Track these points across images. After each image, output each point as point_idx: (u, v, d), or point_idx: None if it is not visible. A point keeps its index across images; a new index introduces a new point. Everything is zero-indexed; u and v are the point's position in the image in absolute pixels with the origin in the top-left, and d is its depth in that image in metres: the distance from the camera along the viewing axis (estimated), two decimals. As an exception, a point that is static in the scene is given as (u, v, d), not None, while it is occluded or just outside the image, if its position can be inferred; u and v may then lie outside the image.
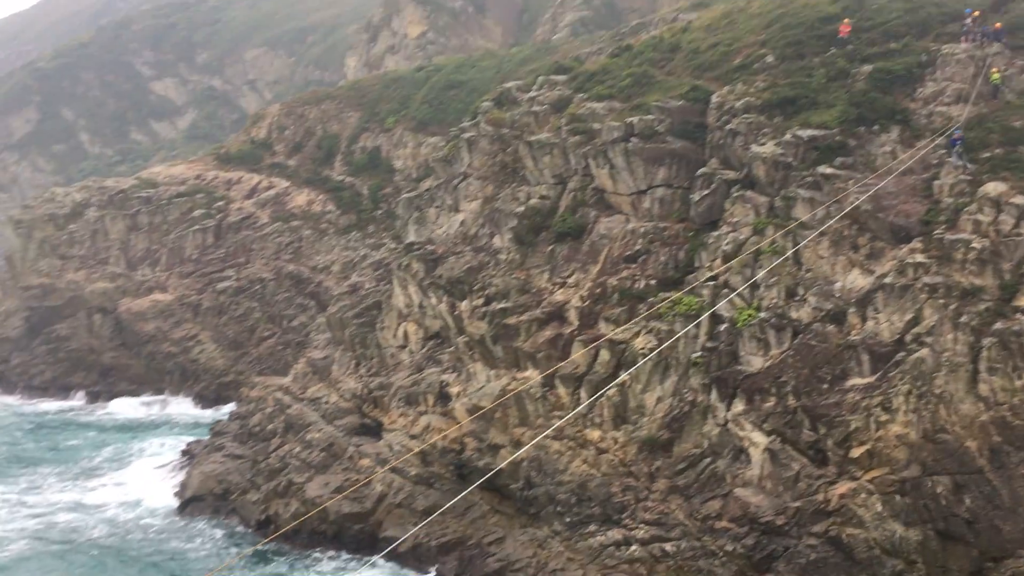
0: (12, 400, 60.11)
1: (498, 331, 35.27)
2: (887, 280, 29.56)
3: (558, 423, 31.68)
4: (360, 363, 41.71)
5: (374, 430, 38.86)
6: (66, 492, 42.71)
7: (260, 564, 35.18)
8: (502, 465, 30.65)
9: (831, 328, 30.06)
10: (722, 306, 31.94)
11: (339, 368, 42.32)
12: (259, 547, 34.33)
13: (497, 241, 38.26)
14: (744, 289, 31.83)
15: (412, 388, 38.03)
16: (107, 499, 41.62)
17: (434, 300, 38.33)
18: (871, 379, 29.03)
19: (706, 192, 34.24)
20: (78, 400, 59.18)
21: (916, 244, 29.96)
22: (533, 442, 31.69)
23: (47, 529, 38.32)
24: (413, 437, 37.02)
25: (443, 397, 36.93)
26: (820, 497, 28.77)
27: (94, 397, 59.15)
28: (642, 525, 30.92)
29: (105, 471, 45.41)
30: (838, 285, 30.60)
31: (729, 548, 29.48)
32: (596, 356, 33.34)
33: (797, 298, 30.87)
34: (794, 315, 30.70)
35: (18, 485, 43.88)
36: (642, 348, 32.26)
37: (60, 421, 54.93)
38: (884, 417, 28.18)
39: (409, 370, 39.14)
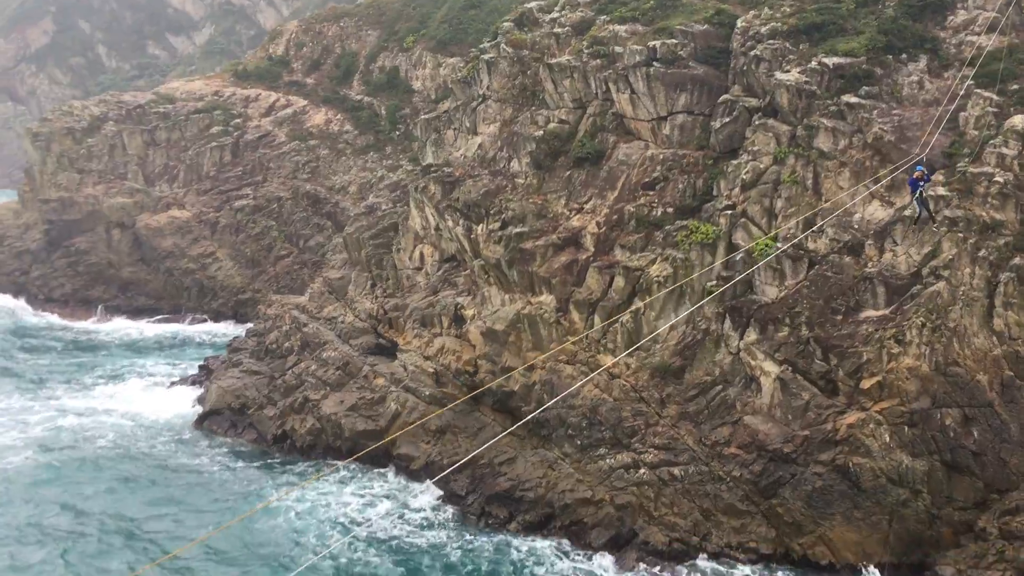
0: (30, 315, 60.82)
1: (514, 255, 35.33)
2: (907, 212, 29.32)
3: (607, 363, 31.91)
4: (376, 284, 41.98)
5: (389, 350, 39.30)
6: (80, 404, 43.37)
7: (278, 475, 36.02)
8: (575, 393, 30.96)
9: (848, 260, 29.97)
10: (739, 235, 31.85)
11: (355, 288, 42.62)
12: (342, 465, 34.95)
13: (515, 165, 38.06)
14: (761, 219, 31.68)
15: (427, 310, 38.32)
16: (123, 411, 42.33)
17: (450, 223, 38.34)
18: (886, 311, 29.04)
19: (727, 119, 33.82)
20: (96, 315, 59.90)
21: (938, 176, 29.63)
22: (584, 380, 31.88)
23: (67, 438, 39.00)
24: (427, 358, 37.44)
25: (458, 319, 37.22)
26: (829, 426, 29.06)
27: (113, 312, 59.87)
28: (651, 449, 31.39)
29: (122, 385, 46.15)
30: (857, 216, 30.40)
31: (736, 474, 29.93)
32: (611, 282, 33.43)
33: (815, 229, 30.71)
34: (811, 246, 30.59)
35: (31, 396, 44.53)
36: (657, 275, 32.30)
37: (77, 336, 55.68)
38: (896, 349, 28.27)
39: (424, 292, 39.38)
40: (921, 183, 27.73)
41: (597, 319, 33.47)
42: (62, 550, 29.86)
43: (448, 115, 43.16)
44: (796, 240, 30.28)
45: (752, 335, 30.64)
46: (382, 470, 36.09)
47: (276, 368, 41.76)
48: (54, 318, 59.59)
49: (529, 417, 29.75)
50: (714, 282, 31.48)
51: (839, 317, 29.64)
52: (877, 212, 30.14)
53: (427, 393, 36.55)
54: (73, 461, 36.70)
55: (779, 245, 30.75)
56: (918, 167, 27.77)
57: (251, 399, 40.83)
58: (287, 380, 40.41)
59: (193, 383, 45.36)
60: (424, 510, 33.29)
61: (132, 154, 63.76)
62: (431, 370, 36.90)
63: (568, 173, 36.48)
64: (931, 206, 28.14)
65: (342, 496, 34.37)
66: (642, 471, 31.24)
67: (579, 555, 30.66)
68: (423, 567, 29.62)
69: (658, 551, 29.96)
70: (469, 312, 36.87)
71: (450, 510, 33.22)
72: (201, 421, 41.06)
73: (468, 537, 31.52)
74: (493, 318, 35.73)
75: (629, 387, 32.52)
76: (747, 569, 29.20)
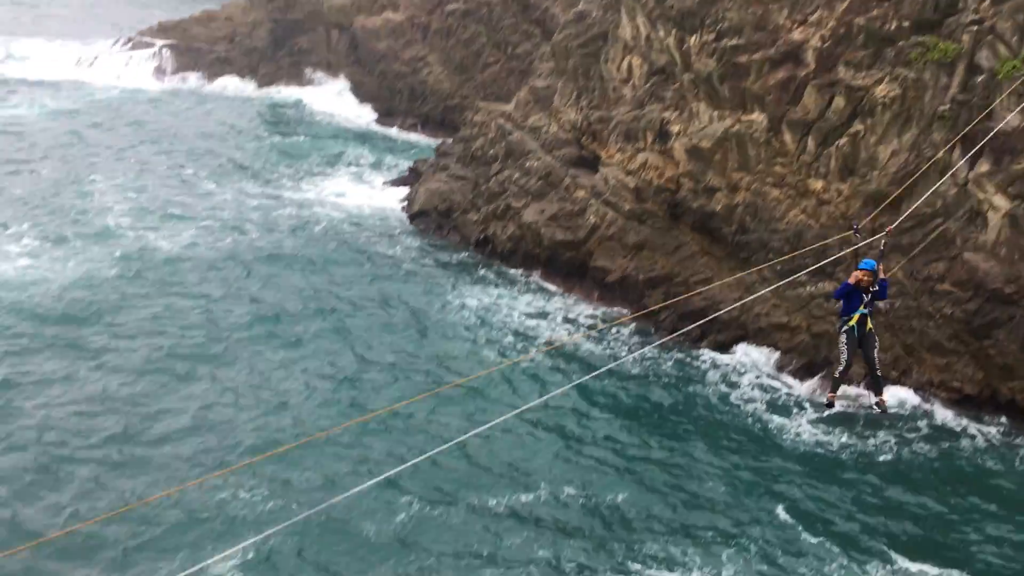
0: (259, 99, 64.42)
1: (727, 69, 33.66)
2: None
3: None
4: (582, 95, 41.38)
5: (591, 163, 39.17)
6: (296, 194, 46.14)
7: (475, 276, 37.68)
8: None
9: (1111, 87, 26.59)
10: (982, 55, 28.79)
11: (560, 98, 42.24)
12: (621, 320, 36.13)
13: (736, -30, 35.52)
14: (1012, 37, 28.37)
15: (632, 124, 37.58)
16: (335, 204, 44.70)
17: (662, 33, 36.77)
18: None
19: (986, -80, 29.84)
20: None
21: None
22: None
23: (284, 225, 41.76)
24: (629, 173, 37.09)
25: (663, 135, 36.35)
26: (1060, 270, 26.89)
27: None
28: (856, 280, 30.25)
29: (336, 180, 48.51)
30: None
31: (947, 311, 28.52)
32: (830, 102, 31.38)
33: (1076, 50, 27.28)
34: (1068, 69, 27.28)
35: (249, 179, 47.57)
36: (883, 96, 29.98)
37: (299, 124, 58.79)
38: None
39: (630, 105, 38.50)
40: (868, 297, 14.78)
41: (811, 141, 31.77)
42: (281, 345, 32.54)
43: (667, -86, 40.45)
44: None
45: (984, 166, 28.23)
46: (578, 282, 36.96)
47: (481, 174, 42.75)
48: (281, 102, 62.91)
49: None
50: (948, 106, 28.91)
51: (1090, 151, 26.70)
52: None
53: (627, 208, 36.46)
54: (290, 248, 39.44)
55: (1029, 67, 27.60)
56: (863, 263, 15.06)
57: (456, 203, 42.25)
58: (491, 187, 41.36)
59: (402, 184, 47.31)
60: (617, 323, 34.03)
61: (349, -46, 64.39)
62: (632, 185, 36.60)
63: (794, -20, 33.73)
64: (876, 357, 15.05)
65: (536, 306, 35.63)
66: (844, 301, 30.30)
67: (770, 376, 30.69)
68: (614, 378, 30.61)
69: (852, 381, 29.48)
70: (675, 128, 35.87)
71: (641, 324, 33.78)
72: (411, 220, 43.10)
73: (659, 351, 32.12)
74: (700, 135, 34.65)
75: (838, 214, 31.09)
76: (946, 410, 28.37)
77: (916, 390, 29.00)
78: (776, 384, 30.36)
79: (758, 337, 31.83)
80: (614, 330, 33.56)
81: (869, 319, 14.72)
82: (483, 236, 40.19)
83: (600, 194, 37.45)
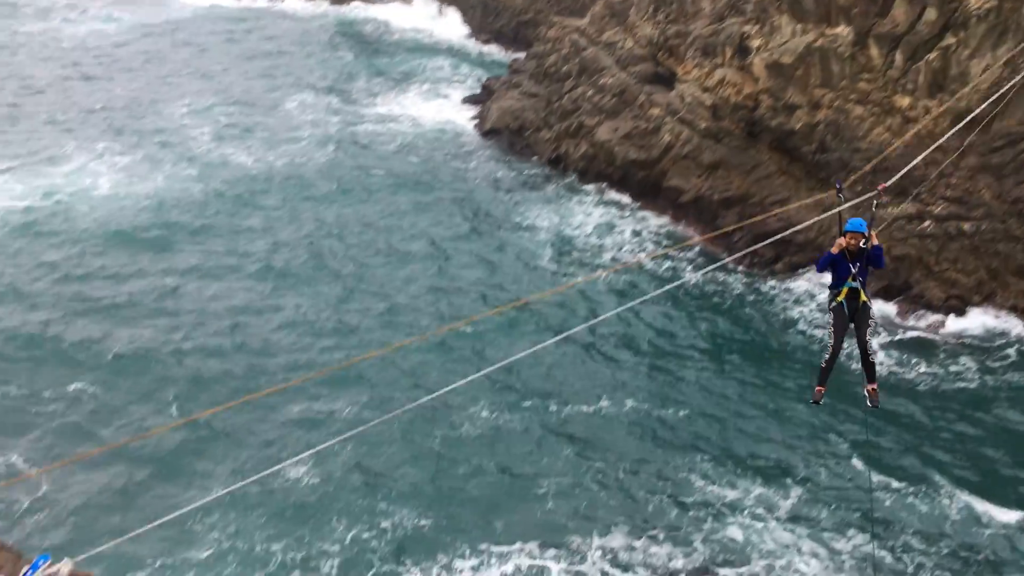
0: (324, 6, 64.48)
1: (812, -20, 32.27)
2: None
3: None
4: (659, 8, 40.20)
5: (666, 80, 38.24)
6: (374, 106, 46.33)
7: (547, 192, 37.47)
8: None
9: None
10: (1091, -38, 27.06)
11: (637, 12, 41.13)
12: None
13: None
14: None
15: (710, 38, 36.44)
16: (409, 122, 44.68)
17: (745, -58, 35.33)
18: None
19: None
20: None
21: None
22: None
23: (362, 140, 42.11)
24: (706, 90, 36.13)
25: (742, 51, 35.20)
26: None
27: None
28: (941, 201, 29.27)
29: (408, 96, 48.36)
30: None
31: (1036, 235, 27.45)
32: (921, 14, 29.92)
33: None
34: None
35: (326, 95, 47.73)
36: (978, 7, 28.46)
37: (373, 36, 58.67)
38: None
39: (709, 19, 37.28)
40: (857, 267, 12.43)
41: (899, 55, 30.43)
42: (351, 252, 33.11)
43: None
44: None
45: (1085, 82, 26.75)
46: (653, 201, 36.50)
47: (554, 92, 42.13)
48: (354, 19, 62.94)
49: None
50: (1048, 18, 27.34)
51: None
52: None
53: (702, 126, 35.64)
54: (367, 163, 39.76)
55: None
56: (849, 224, 12.72)
57: (528, 121, 41.80)
58: (564, 104, 40.77)
59: (476, 102, 46.92)
60: (690, 243, 33.61)
61: None
62: (709, 103, 35.69)
63: None
64: (869, 338, 12.50)
65: (609, 223, 35.34)
66: (927, 223, 29.40)
67: (845, 301, 30.10)
68: (683, 298, 30.39)
69: (931, 305, 28.79)
70: (755, 42, 34.67)
71: (714, 245, 33.30)
72: (484, 137, 42.87)
73: (731, 272, 31.70)
74: (781, 50, 33.44)
75: (925, 132, 29.88)
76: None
77: (999, 315, 28.16)
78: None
79: (835, 259, 31.11)
80: (685, 250, 33.18)
81: (862, 291, 12.14)
82: (555, 155, 39.80)
83: (675, 112, 36.64)
